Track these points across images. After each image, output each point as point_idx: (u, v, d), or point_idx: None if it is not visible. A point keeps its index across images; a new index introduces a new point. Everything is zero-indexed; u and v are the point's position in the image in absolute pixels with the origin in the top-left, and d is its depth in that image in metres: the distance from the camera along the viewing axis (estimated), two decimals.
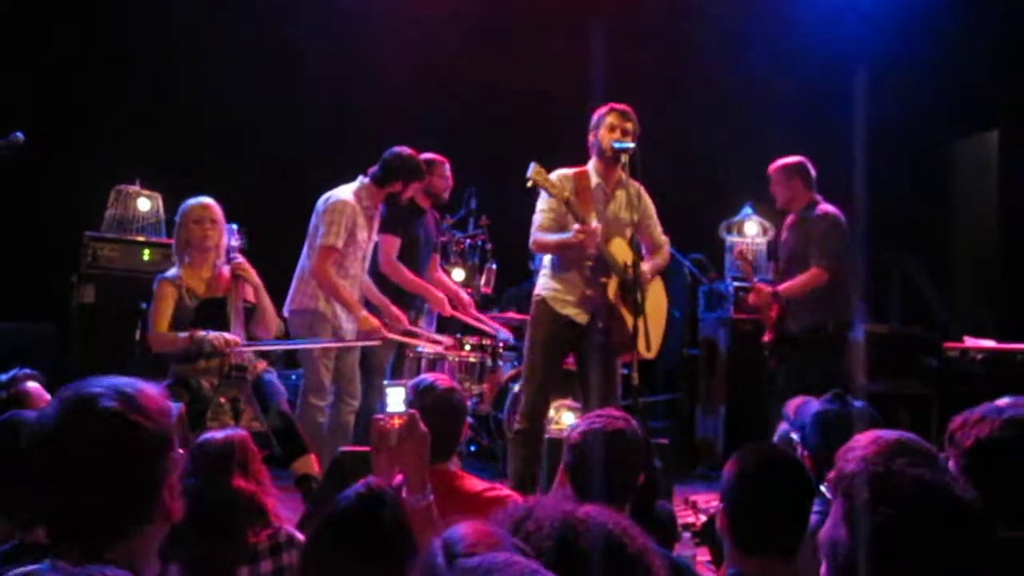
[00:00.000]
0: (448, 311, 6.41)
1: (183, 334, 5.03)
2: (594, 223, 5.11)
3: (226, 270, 5.28)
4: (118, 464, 1.85)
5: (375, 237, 6.05)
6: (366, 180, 5.94)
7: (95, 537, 1.82)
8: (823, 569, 1.70)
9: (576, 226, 5.08)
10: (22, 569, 1.81)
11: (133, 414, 1.87)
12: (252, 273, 5.33)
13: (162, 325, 5.09)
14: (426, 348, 6.23)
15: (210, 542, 2.96)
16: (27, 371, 3.78)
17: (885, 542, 1.58)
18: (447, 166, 6.53)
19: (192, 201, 5.29)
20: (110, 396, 1.87)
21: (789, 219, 6.50)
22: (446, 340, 6.41)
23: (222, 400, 4.84)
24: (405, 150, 6.02)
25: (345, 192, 5.88)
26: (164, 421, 1.93)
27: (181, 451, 2.00)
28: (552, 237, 5.27)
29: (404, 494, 2.67)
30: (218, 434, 3.26)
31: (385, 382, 2.88)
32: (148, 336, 5.19)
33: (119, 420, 1.85)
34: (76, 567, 1.70)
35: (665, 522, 3.50)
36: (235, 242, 5.33)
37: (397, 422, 2.72)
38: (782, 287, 6.22)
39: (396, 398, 2.76)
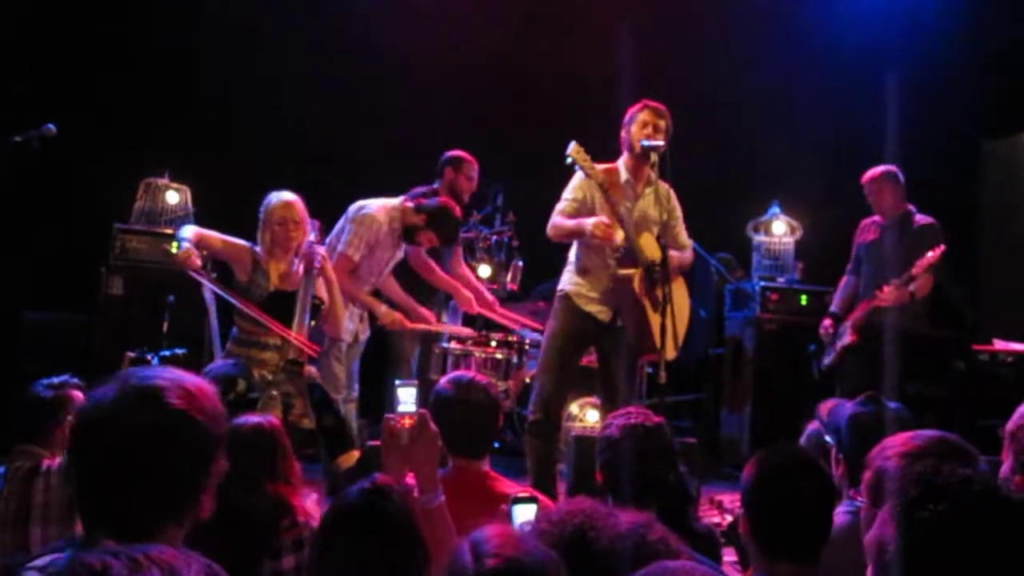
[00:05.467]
0: (475, 309, 6.41)
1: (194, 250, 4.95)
2: (619, 234, 5.08)
3: (299, 267, 5.24)
4: (173, 461, 1.82)
5: (398, 256, 6.02)
6: (408, 204, 5.89)
7: (131, 528, 1.78)
8: (869, 571, 1.68)
9: (600, 218, 5.04)
10: (60, 554, 1.79)
11: (196, 414, 1.84)
12: (330, 270, 5.30)
13: (204, 232, 5.07)
14: (452, 345, 6.24)
15: (234, 536, 2.96)
16: (76, 380, 3.81)
17: (934, 540, 1.56)
18: (475, 168, 6.51)
19: (275, 200, 5.17)
20: (175, 392, 1.84)
21: (878, 221, 6.50)
22: (469, 333, 6.41)
23: (275, 393, 4.84)
24: (453, 205, 5.96)
25: (379, 207, 5.82)
26: (220, 423, 1.91)
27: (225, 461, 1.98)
28: (570, 221, 5.20)
29: (416, 494, 2.66)
30: (251, 419, 3.24)
31: (397, 381, 2.86)
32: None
33: (183, 418, 1.82)
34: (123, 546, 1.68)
35: (705, 538, 3.46)
36: (314, 237, 5.26)
37: (408, 422, 2.70)
38: (916, 288, 6.17)
39: (407, 397, 2.74)
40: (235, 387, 4.74)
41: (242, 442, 3.10)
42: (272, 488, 3.09)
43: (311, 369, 5.19)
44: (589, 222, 5.07)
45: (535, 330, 6.71)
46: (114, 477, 1.80)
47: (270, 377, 4.92)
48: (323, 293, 5.24)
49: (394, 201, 5.88)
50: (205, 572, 1.30)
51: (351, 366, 5.97)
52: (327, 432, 5.02)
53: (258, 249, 5.16)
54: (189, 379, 1.89)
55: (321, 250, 5.22)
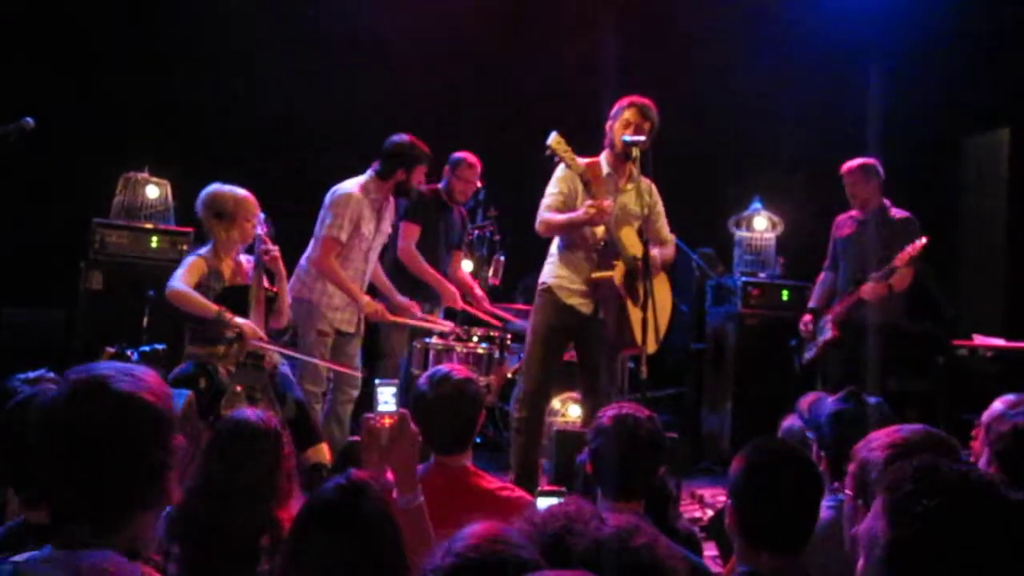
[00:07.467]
0: (459, 305, 6.41)
1: (214, 305, 4.93)
2: (607, 201, 5.07)
3: (245, 260, 5.25)
4: (130, 444, 1.84)
5: (386, 230, 6.02)
6: (374, 173, 5.91)
7: (100, 519, 1.80)
8: (860, 564, 1.67)
9: (588, 202, 5.03)
10: (20, 556, 1.79)
11: (146, 395, 1.87)
12: (281, 263, 5.31)
13: (189, 284, 5.00)
14: (434, 340, 6.22)
15: (218, 548, 2.91)
16: (52, 375, 3.77)
17: (926, 536, 1.55)
18: (474, 170, 6.50)
19: (240, 195, 5.18)
20: (120, 378, 1.87)
21: (855, 216, 6.49)
22: (451, 327, 6.38)
23: (238, 388, 4.82)
24: (403, 137, 5.96)
25: (352, 185, 5.85)
26: (170, 405, 1.93)
27: (183, 438, 1.99)
28: (560, 216, 5.21)
29: (395, 495, 2.63)
30: (248, 416, 3.16)
31: (376, 380, 2.84)
32: (173, 290, 4.97)
33: (132, 401, 1.85)
34: (73, 552, 1.67)
35: (685, 539, 3.45)
36: (262, 230, 5.24)
37: (388, 421, 2.68)
38: (895, 281, 6.16)
39: (387, 396, 2.72)
40: (197, 385, 4.72)
41: (241, 443, 3.03)
42: (265, 504, 3.01)
43: (272, 360, 5.17)
44: (579, 212, 5.07)
45: (518, 322, 6.70)
46: (77, 470, 1.82)
47: (233, 369, 4.91)
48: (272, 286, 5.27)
49: (362, 177, 5.91)
50: None
51: (354, 359, 5.94)
52: (291, 424, 4.99)
53: (205, 251, 5.16)
54: (130, 367, 1.93)
55: (270, 244, 5.25)
